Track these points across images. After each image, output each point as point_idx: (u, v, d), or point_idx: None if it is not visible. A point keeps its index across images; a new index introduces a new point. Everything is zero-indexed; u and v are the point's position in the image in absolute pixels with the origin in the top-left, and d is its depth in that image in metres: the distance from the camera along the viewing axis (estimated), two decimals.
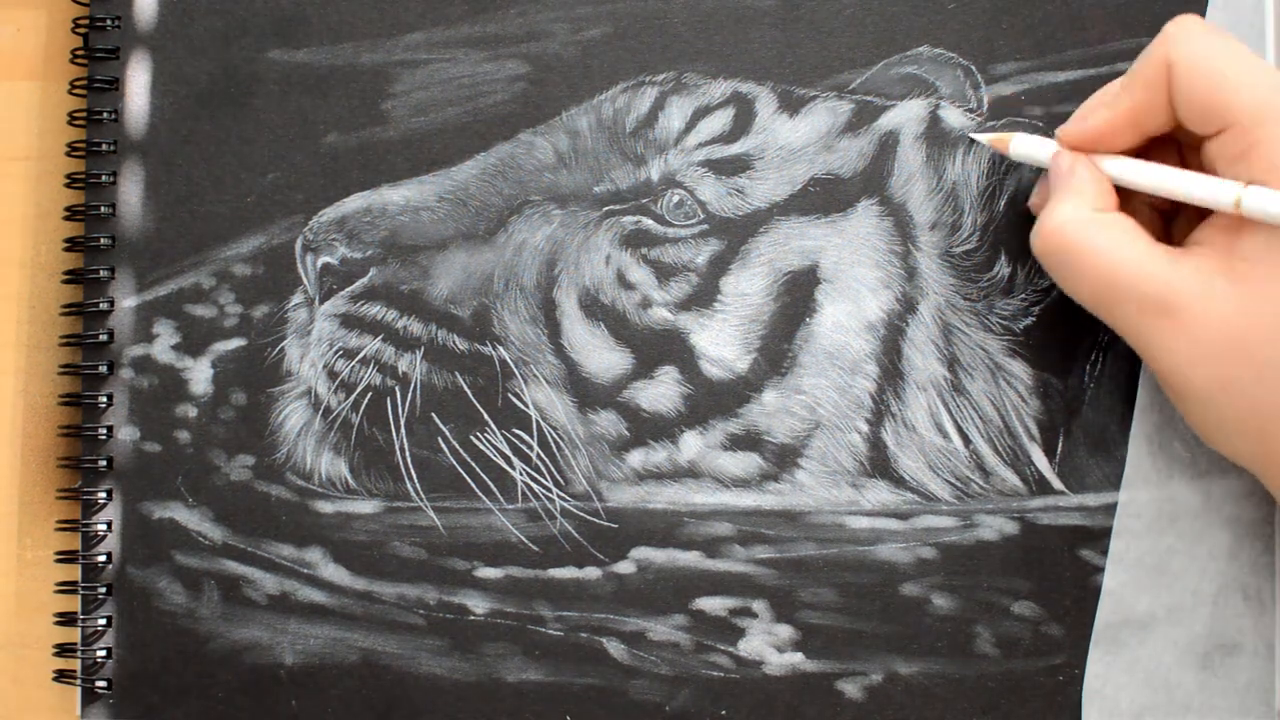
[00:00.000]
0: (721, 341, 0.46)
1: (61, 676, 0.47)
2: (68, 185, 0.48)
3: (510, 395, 0.46)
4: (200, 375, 0.47)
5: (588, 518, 0.46)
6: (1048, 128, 0.45)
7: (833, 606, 0.45)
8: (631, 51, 0.47)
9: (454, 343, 0.46)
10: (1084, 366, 0.45)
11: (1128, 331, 0.40)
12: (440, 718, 0.46)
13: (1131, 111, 0.40)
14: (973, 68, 0.46)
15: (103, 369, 0.47)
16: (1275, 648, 0.44)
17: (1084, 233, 0.40)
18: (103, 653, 0.47)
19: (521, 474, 0.46)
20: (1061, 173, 0.42)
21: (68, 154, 0.48)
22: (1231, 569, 0.44)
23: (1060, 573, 0.45)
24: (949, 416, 0.45)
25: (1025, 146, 0.43)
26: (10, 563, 0.48)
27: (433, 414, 0.46)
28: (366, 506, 0.46)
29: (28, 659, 0.48)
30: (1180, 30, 0.40)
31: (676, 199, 0.46)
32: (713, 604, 0.46)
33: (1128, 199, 0.42)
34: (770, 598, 0.45)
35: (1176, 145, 0.43)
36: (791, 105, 0.47)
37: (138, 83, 0.48)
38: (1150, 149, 0.42)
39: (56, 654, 0.47)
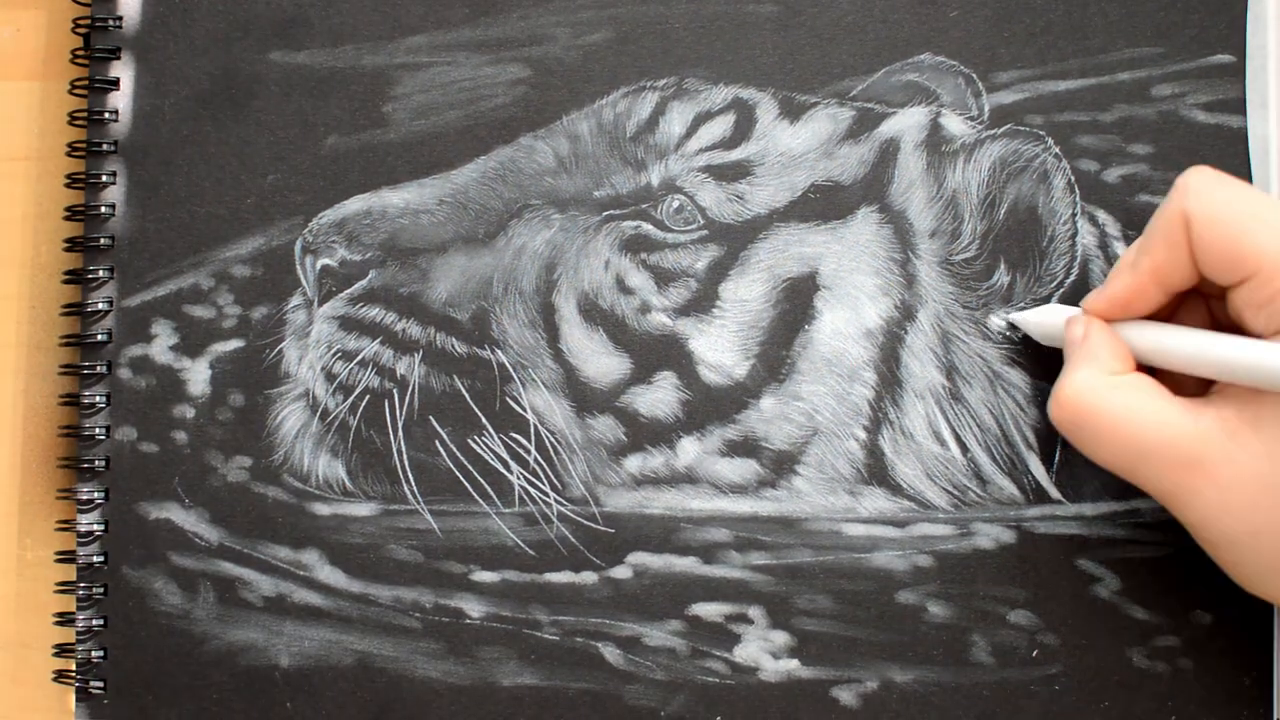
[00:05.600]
0: (720, 347, 0.46)
1: (61, 677, 0.47)
2: (68, 185, 0.48)
3: (508, 399, 0.46)
4: (198, 376, 0.47)
5: (584, 522, 0.46)
6: (1049, 135, 0.45)
7: (829, 613, 0.45)
8: (633, 56, 0.47)
9: (452, 346, 0.46)
10: None
11: (1155, 489, 0.40)
12: None
13: (1154, 271, 0.40)
14: (974, 75, 0.46)
15: (101, 369, 0.47)
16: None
17: (1101, 398, 0.39)
18: (98, 653, 0.47)
19: (519, 478, 0.46)
20: (1075, 339, 0.41)
21: (68, 154, 0.48)
22: None
23: (1057, 582, 0.45)
24: (947, 424, 0.45)
25: (1045, 317, 0.44)
26: (10, 563, 0.48)
27: (430, 417, 0.46)
28: (363, 509, 0.46)
29: (27, 659, 0.48)
30: (1196, 182, 0.39)
31: (676, 204, 0.46)
32: (709, 610, 0.46)
33: None
34: (766, 604, 0.45)
35: (1202, 298, 0.42)
36: (792, 111, 0.47)
37: (138, 83, 0.48)
38: (1178, 303, 0.42)
39: (56, 654, 0.47)
